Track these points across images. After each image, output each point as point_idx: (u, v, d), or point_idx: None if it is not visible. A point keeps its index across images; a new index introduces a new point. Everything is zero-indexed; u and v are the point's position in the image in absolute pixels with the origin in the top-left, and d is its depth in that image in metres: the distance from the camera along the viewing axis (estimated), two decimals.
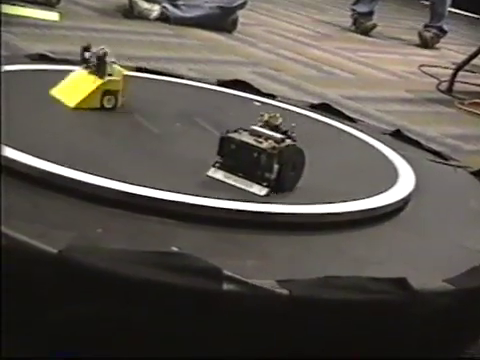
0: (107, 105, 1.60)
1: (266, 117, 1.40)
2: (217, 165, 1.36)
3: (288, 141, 1.36)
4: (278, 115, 1.40)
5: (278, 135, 1.36)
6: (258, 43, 4.14)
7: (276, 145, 1.34)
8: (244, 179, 1.33)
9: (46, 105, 1.59)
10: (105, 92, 1.59)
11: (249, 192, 1.31)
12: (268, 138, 1.35)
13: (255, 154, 1.34)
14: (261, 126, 1.39)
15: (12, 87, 1.61)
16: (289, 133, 1.38)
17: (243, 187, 1.32)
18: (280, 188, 1.34)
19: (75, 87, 1.60)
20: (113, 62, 1.61)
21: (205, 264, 1.01)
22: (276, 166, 1.33)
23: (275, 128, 1.38)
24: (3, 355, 0.99)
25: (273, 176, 1.32)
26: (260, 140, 1.35)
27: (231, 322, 1.02)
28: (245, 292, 1.00)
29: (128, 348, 1.01)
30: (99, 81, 1.60)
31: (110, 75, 1.61)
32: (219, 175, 1.35)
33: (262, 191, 1.32)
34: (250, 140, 1.35)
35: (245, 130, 1.38)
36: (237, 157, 1.35)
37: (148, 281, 0.98)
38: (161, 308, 1.00)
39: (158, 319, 1.00)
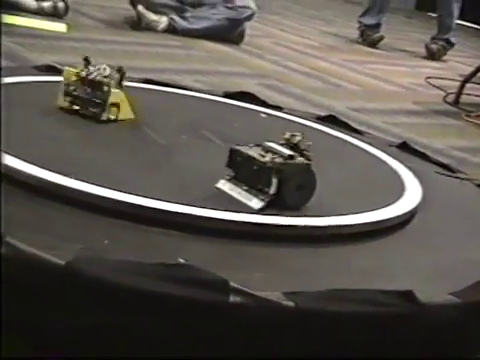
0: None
1: (287, 135, 1.38)
2: (227, 177, 1.37)
3: (299, 159, 1.34)
4: (298, 134, 1.38)
5: (287, 151, 1.34)
6: (265, 55, 4.14)
7: (278, 160, 1.32)
8: (246, 192, 1.34)
9: (52, 116, 1.60)
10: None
11: (247, 205, 1.30)
12: (275, 153, 1.34)
13: (255, 167, 1.33)
14: (281, 144, 1.37)
15: (19, 98, 1.61)
16: (305, 152, 1.36)
17: (243, 200, 1.32)
18: (282, 205, 1.32)
19: None
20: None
21: (212, 276, 1.01)
22: (274, 180, 1.31)
23: (294, 146, 1.36)
24: (3, 355, 0.99)
25: (271, 191, 1.31)
26: (264, 154, 1.34)
27: (237, 334, 1.02)
28: (252, 304, 1.00)
29: None
30: None
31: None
32: (226, 187, 1.36)
33: (258, 205, 1.31)
34: (255, 154, 1.35)
35: (258, 145, 1.38)
36: (243, 170, 1.36)
37: (155, 293, 0.98)
38: (168, 320, 1.00)
39: (165, 331, 1.00)
